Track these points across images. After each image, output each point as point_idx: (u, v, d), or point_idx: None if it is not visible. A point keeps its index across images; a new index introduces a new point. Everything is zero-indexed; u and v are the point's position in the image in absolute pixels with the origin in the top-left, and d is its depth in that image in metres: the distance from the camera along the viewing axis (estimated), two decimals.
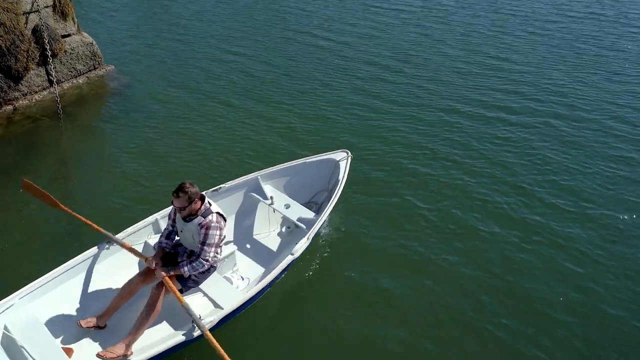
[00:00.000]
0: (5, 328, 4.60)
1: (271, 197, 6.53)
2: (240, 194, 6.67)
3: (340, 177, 6.68)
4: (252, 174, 6.73)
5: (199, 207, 5.01)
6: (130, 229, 5.64)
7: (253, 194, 6.67)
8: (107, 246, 5.48)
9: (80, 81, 10.67)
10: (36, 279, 5.02)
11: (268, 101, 10.32)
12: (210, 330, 4.73)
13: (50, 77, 9.83)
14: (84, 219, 5.61)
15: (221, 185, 6.46)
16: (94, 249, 5.44)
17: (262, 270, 6.05)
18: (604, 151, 8.88)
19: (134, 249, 5.36)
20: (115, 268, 5.55)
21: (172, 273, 5.01)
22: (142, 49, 12.84)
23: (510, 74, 11.68)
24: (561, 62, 12.28)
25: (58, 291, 5.19)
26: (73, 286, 5.33)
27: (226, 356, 4.51)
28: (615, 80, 11.46)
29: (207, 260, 5.03)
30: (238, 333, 5.42)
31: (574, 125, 9.65)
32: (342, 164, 6.87)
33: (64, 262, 5.25)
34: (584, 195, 7.79)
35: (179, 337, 4.68)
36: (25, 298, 4.89)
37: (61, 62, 10.22)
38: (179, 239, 5.35)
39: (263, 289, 5.41)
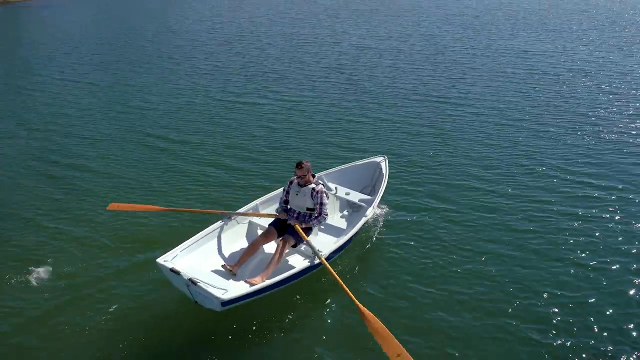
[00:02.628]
0: (174, 268, 6.50)
1: (335, 188, 8.91)
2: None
3: (384, 172, 9.16)
4: (317, 174, 8.45)
5: (311, 179, 7.46)
6: (255, 202, 8.07)
7: None
8: (227, 220, 7.76)
9: None
10: (185, 241, 7.14)
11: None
12: (309, 270, 7.08)
13: None
14: (201, 210, 8.48)
15: None
16: (220, 222, 7.70)
17: (335, 239, 7.95)
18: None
19: (262, 213, 7.99)
20: (235, 237, 7.89)
21: (303, 226, 7.33)
22: None
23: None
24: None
25: (202, 248, 7.38)
26: (211, 245, 7.55)
27: (338, 279, 6.53)
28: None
29: (327, 214, 7.46)
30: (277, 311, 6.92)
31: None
32: (382, 165, 9.36)
33: (201, 230, 7.44)
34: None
35: (301, 265, 7.00)
36: (184, 251, 7.05)
37: None
38: (289, 208, 7.66)
39: (346, 242, 7.71)
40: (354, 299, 6.30)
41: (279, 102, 15.26)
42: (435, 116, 13.91)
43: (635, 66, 18.63)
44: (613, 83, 16.67)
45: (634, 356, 6.16)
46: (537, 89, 16.14)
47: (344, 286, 6.42)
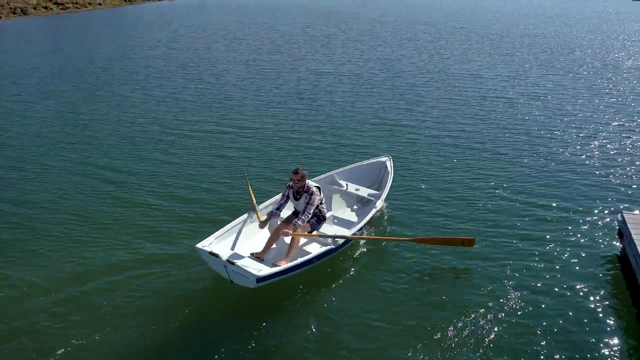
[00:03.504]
0: (213, 251, 7.55)
1: (346, 185, 9.94)
2: (323, 186, 9.10)
3: (389, 170, 10.30)
4: (329, 173, 10.16)
5: (304, 185, 8.20)
6: (264, 204, 8.94)
7: (331, 185, 9.94)
8: (252, 214, 8.69)
9: None
10: (219, 229, 8.22)
11: None
12: (331, 252, 8.18)
13: None
14: (253, 197, 9.04)
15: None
16: (245, 215, 8.66)
17: (348, 230, 8.78)
18: None
19: (262, 221, 8.39)
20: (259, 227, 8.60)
21: (291, 231, 7.99)
22: None
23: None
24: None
25: (232, 237, 8.36)
26: (239, 234, 8.47)
27: (377, 237, 8.76)
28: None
29: (309, 214, 8.11)
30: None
31: None
32: (388, 164, 10.50)
33: (232, 220, 8.53)
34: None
35: (324, 248, 8.02)
36: (219, 238, 8.05)
37: None
38: (295, 209, 8.48)
39: (359, 230, 8.61)
40: (404, 238, 8.45)
41: (236, 130, 14.97)
42: (394, 140, 13.92)
43: (582, 89, 19.25)
44: (563, 105, 17.13)
45: None
46: (491, 112, 16.42)
47: (388, 237, 8.63)
